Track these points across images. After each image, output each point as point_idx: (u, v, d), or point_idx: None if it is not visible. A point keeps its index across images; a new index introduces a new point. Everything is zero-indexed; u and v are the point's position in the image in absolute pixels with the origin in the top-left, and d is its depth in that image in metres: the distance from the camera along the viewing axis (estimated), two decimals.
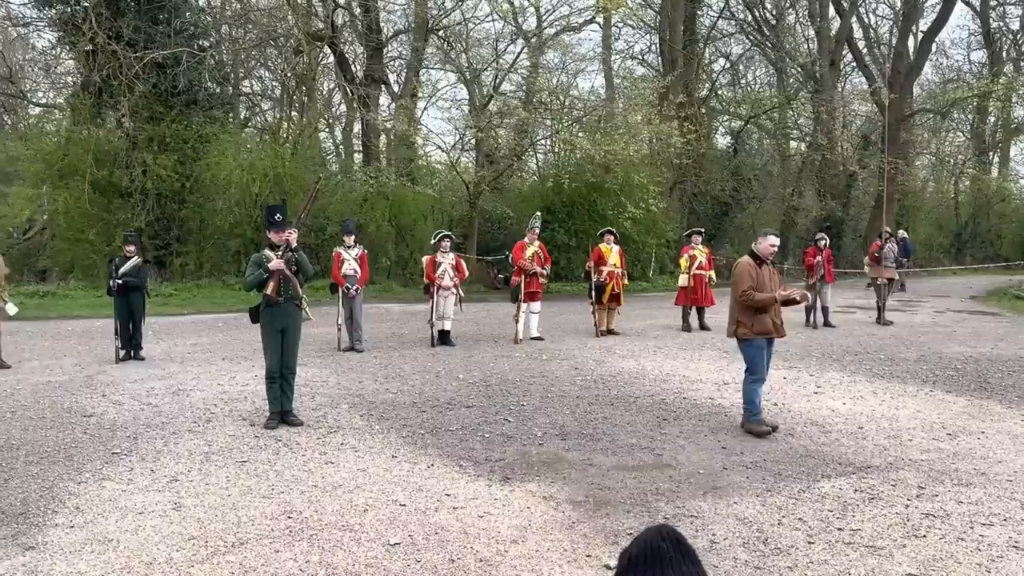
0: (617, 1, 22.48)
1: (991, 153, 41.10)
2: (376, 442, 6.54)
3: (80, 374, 9.66)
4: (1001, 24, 37.68)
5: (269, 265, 6.97)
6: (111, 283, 10.61)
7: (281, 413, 7.09)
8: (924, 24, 33.28)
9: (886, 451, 6.27)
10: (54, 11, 21.54)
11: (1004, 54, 37.75)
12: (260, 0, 25.13)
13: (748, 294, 6.78)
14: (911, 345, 12.00)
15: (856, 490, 5.34)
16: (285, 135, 25.03)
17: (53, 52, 24.50)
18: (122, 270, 10.63)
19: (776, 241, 7.07)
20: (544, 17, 25.50)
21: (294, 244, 7.13)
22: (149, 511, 4.95)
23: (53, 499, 5.17)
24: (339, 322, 11.56)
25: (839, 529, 4.66)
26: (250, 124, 28.83)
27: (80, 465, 5.91)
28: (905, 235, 22.40)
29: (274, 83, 28.70)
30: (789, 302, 7.02)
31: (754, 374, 6.91)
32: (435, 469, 5.81)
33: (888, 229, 16.69)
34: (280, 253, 7.01)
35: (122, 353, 10.55)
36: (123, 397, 8.28)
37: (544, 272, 12.83)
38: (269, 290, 6.96)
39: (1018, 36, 38.13)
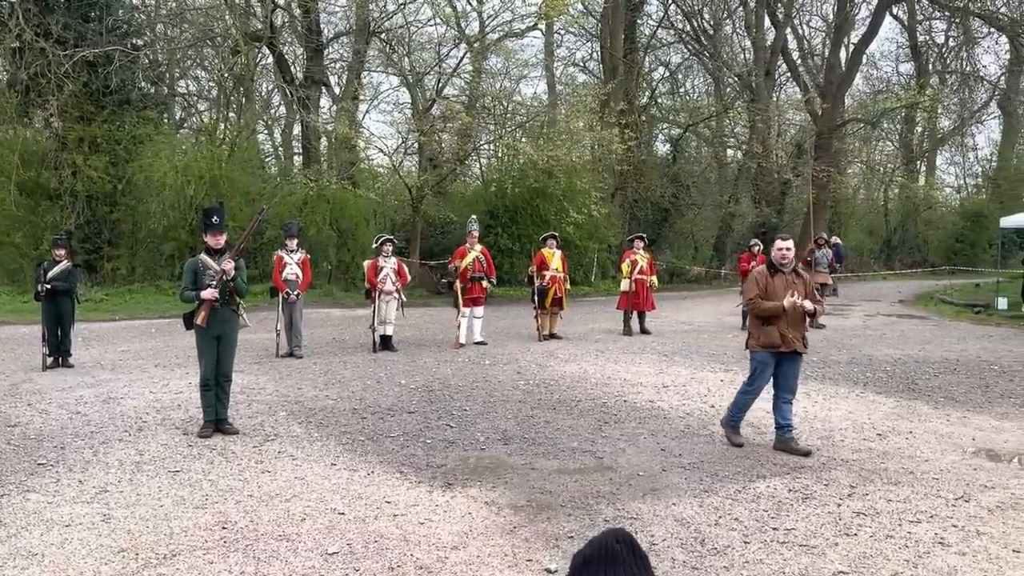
0: (559, 8, 22.62)
1: (918, 162, 42.60)
2: (315, 450, 6.43)
3: (4, 382, 9.29)
4: (928, 38, 39.17)
5: (202, 294, 6.70)
6: (39, 288, 10.22)
7: (216, 421, 6.91)
8: (855, 36, 34.40)
9: (819, 451, 6.43)
10: None
11: (930, 66, 39.22)
12: None
13: (753, 302, 6.48)
14: (843, 348, 12.35)
15: (790, 490, 5.46)
16: (222, 136, 24.49)
17: None
18: (50, 274, 10.25)
19: (783, 244, 6.52)
20: (487, 22, 25.54)
21: (231, 274, 6.81)
22: (76, 523, 4.78)
23: None
24: (278, 327, 11.35)
25: (774, 529, 4.76)
26: (186, 125, 28.17)
27: (3, 477, 5.67)
28: (838, 241, 23.05)
29: (211, 83, 28.07)
30: (809, 314, 6.46)
31: (749, 385, 6.63)
32: (375, 476, 5.75)
33: (824, 235, 17.16)
34: (216, 283, 6.75)
35: (49, 360, 10.18)
36: (50, 406, 7.99)
37: (492, 283, 12.86)
38: (200, 320, 6.69)
39: (943, 49, 39.67)
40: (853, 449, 6.52)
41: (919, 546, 4.51)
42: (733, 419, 6.73)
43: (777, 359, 6.46)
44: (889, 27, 38.76)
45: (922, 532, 4.71)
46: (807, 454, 6.29)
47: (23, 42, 18.62)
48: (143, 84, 23.28)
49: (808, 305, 6.37)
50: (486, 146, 26.57)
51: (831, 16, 35.13)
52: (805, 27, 37.83)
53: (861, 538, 4.63)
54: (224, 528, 4.73)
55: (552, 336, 13.21)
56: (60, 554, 4.35)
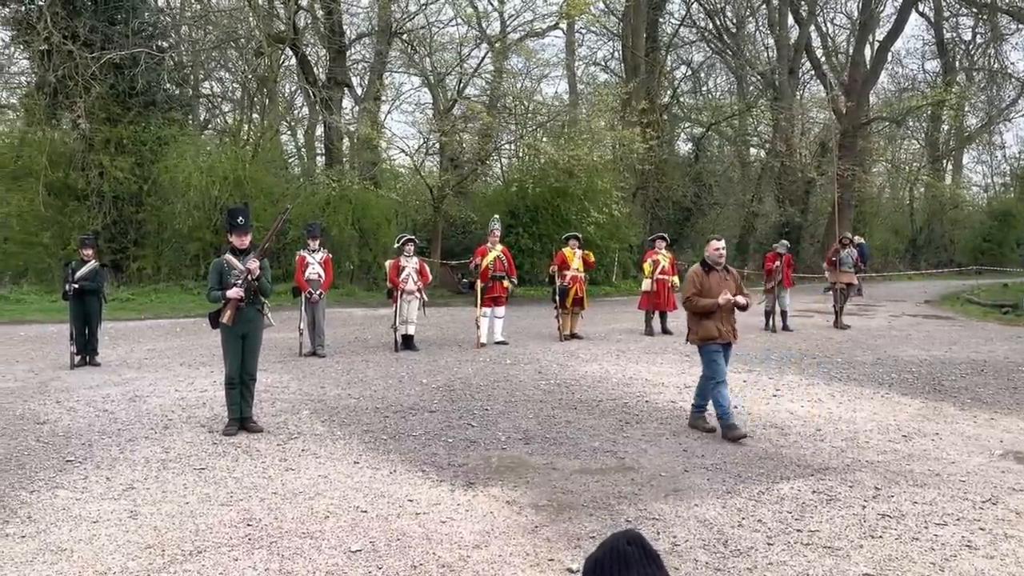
0: (580, 7, 22.57)
1: (945, 160, 42.09)
2: (337, 448, 6.48)
3: (33, 380, 9.43)
4: (954, 35, 38.73)
5: (228, 293, 6.78)
6: (67, 287, 10.37)
7: (241, 419, 6.98)
8: (880, 34, 34.06)
9: (843, 453, 6.38)
10: (8, 10, 21.03)
11: (957, 64, 38.75)
12: (220, 1, 24.83)
13: (690, 300, 7.00)
14: (867, 348, 12.23)
15: (814, 491, 5.42)
16: (246, 137, 24.70)
17: (6, 52, 23.86)
18: (78, 274, 10.40)
19: (718, 244, 7.11)
20: (508, 22, 25.55)
21: (256, 274, 6.90)
22: (104, 520, 4.85)
23: (4, 508, 5.04)
24: (301, 327, 11.43)
25: (797, 530, 4.73)
26: (210, 126, 28.42)
27: (32, 473, 5.76)
28: (862, 240, 22.83)
29: (235, 85, 28.32)
30: (740, 307, 7.05)
31: (712, 378, 7.01)
32: (397, 475, 5.78)
33: (849, 235, 17.01)
34: (241, 282, 6.83)
35: (77, 359, 10.32)
36: (78, 404, 8.11)
37: (513, 283, 12.88)
38: (226, 319, 6.76)
39: (970, 46, 39.17)
40: (878, 451, 6.46)
41: (946, 549, 4.47)
42: (725, 415, 6.89)
43: (725, 348, 7.03)
44: (915, 24, 38.39)
45: (949, 535, 4.66)
46: (712, 431, 6.96)
47: (51, 45, 18.87)
48: (168, 86, 23.51)
49: (740, 300, 6.96)
50: (507, 146, 26.58)
51: (856, 13, 34.83)
52: (829, 24, 37.58)
53: (886, 540, 4.59)
54: (249, 525, 4.77)
55: (573, 336, 13.20)
56: (88, 550, 4.41)
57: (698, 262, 7.31)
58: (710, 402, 7.09)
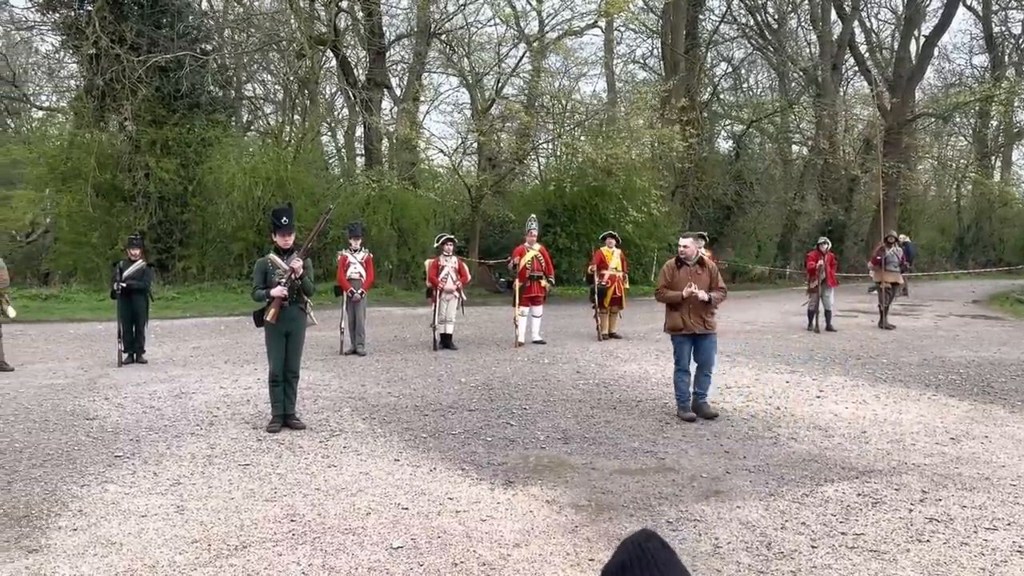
0: (619, 5, 22.47)
1: (993, 157, 41.12)
2: (378, 445, 6.54)
3: (83, 377, 9.67)
4: (1003, 28, 37.75)
5: (272, 292, 6.89)
6: (115, 286, 10.61)
7: (284, 416, 7.09)
8: (926, 28, 33.34)
9: (889, 455, 6.27)
10: (58, 15, 21.59)
11: (1006, 58, 37.78)
12: (263, 4, 25.21)
13: (660, 292, 7.66)
14: (914, 349, 12.00)
15: (859, 494, 5.33)
16: (287, 139, 25.03)
17: (56, 56, 24.56)
18: (126, 273, 10.63)
19: (685, 242, 7.70)
20: (546, 21, 25.52)
21: (300, 272, 6.99)
22: (152, 514, 4.95)
23: (56, 502, 5.18)
24: (342, 325, 11.56)
25: (842, 533, 4.66)
26: (252, 128, 28.86)
27: (83, 468, 5.91)
28: (907, 239, 22.38)
29: (276, 87, 28.76)
30: (705, 302, 7.51)
31: (676, 365, 7.63)
32: (437, 472, 5.81)
33: (894, 233, 16.70)
34: (285, 281, 6.93)
35: (125, 356, 10.55)
36: (126, 400, 8.29)
37: (550, 282, 12.86)
38: (269, 317, 6.87)
39: (1020, 40, 38.13)
40: (925, 453, 6.33)
41: (996, 554, 4.36)
42: (681, 399, 7.57)
43: (692, 339, 7.51)
44: (962, 18, 37.57)
45: (999, 540, 4.56)
46: (714, 416, 7.44)
47: (99, 49, 19.34)
48: (212, 88, 23.92)
49: (702, 295, 7.38)
50: (545, 145, 26.55)
51: (901, 8, 34.14)
52: (873, 19, 36.92)
53: (934, 545, 4.50)
54: (292, 521, 4.84)
55: (612, 335, 13.15)
56: (137, 543, 4.51)
57: (671, 258, 7.94)
58: (709, 389, 7.69)
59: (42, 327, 14.58)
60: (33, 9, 22.56)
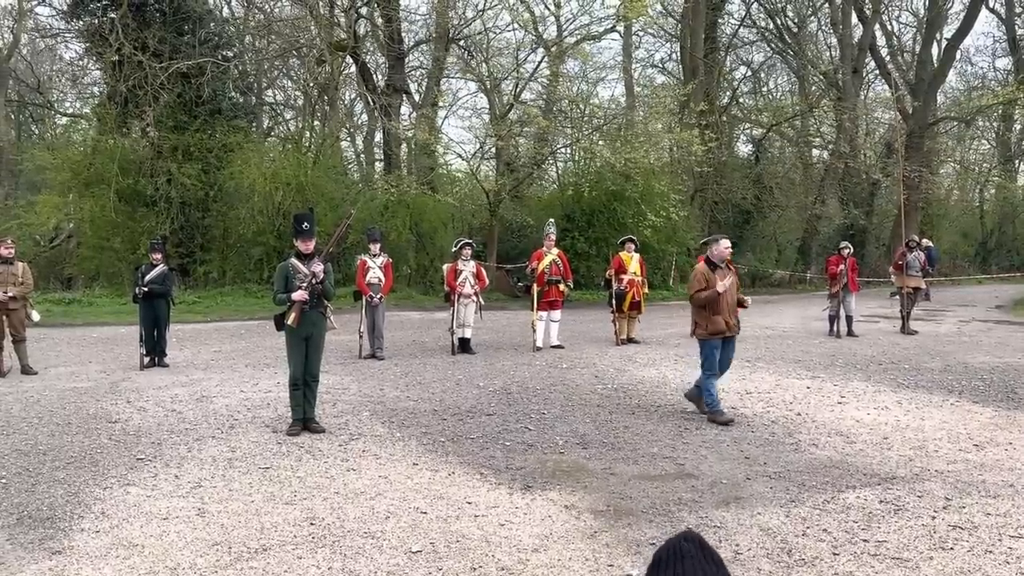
0: (638, 9, 22.45)
1: (1017, 161, 40.63)
2: (397, 449, 6.55)
3: (105, 380, 9.77)
4: None
5: (293, 295, 6.94)
6: (136, 290, 10.72)
7: (304, 420, 7.13)
8: (948, 31, 33.04)
9: (911, 462, 6.20)
10: (82, 23, 21.90)
11: None
12: (283, 11, 25.40)
13: (698, 294, 7.62)
14: (936, 355, 11.87)
15: (881, 501, 5.28)
16: (307, 144, 25.22)
17: (80, 63, 24.90)
18: (148, 277, 10.73)
19: (728, 244, 7.85)
20: (565, 26, 25.60)
21: (321, 277, 7.04)
22: (173, 517, 4.99)
23: (79, 504, 5.23)
24: (361, 330, 11.60)
25: (864, 540, 4.61)
26: (273, 133, 29.10)
27: (105, 471, 5.97)
28: (930, 244, 22.15)
29: (297, 93, 28.94)
30: (742, 306, 7.84)
31: (709, 371, 7.67)
32: (456, 477, 5.82)
33: (916, 237, 16.53)
34: (306, 285, 6.98)
35: (146, 360, 10.65)
36: (147, 403, 8.37)
37: (569, 286, 12.83)
38: (291, 321, 6.92)
39: None
40: (948, 460, 6.26)
41: (1021, 563, 4.30)
42: (717, 404, 7.61)
43: (723, 342, 7.68)
44: (985, 20, 37.10)
45: None
46: (731, 422, 7.45)
47: (122, 56, 19.57)
48: (233, 94, 24.16)
49: (743, 299, 7.82)
50: (563, 150, 26.57)
51: (922, 11, 33.87)
52: (894, 23, 36.54)
53: (958, 552, 4.45)
54: (312, 524, 4.86)
55: (630, 340, 13.11)
56: (159, 545, 4.55)
57: (701, 261, 8.03)
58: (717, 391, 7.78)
59: (65, 331, 14.75)
60: (57, 17, 22.92)
